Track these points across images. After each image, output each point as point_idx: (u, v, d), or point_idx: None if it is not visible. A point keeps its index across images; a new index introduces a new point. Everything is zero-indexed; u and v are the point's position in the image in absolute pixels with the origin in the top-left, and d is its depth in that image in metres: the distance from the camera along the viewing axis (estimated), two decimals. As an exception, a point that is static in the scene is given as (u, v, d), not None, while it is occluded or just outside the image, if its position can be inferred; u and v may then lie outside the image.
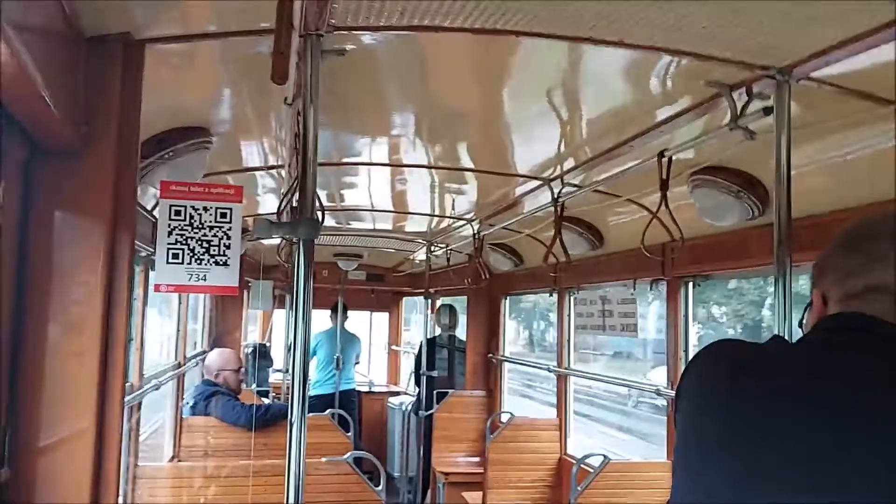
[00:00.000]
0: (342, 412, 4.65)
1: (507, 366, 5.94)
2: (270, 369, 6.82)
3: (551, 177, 3.07)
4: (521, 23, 1.57)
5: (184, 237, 1.74)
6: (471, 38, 1.66)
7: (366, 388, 7.83)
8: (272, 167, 2.98)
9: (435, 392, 5.72)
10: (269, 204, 3.82)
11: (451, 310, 6.55)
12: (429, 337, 6.18)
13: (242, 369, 4.52)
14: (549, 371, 5.02)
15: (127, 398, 2.34)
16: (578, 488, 3.33)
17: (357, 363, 7.32)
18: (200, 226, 1.75)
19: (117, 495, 1.48)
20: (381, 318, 8.93)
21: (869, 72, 1.65)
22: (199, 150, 2.28)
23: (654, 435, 10.70)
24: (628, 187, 2.91)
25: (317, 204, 1.64)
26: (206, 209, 1.76)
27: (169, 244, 1.73)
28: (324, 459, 3.19)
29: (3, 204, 1.31)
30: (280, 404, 4.52)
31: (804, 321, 1.07)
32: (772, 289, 1.75)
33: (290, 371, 1.63)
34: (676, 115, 2.11)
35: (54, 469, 1.41)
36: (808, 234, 1.95)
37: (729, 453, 0.87)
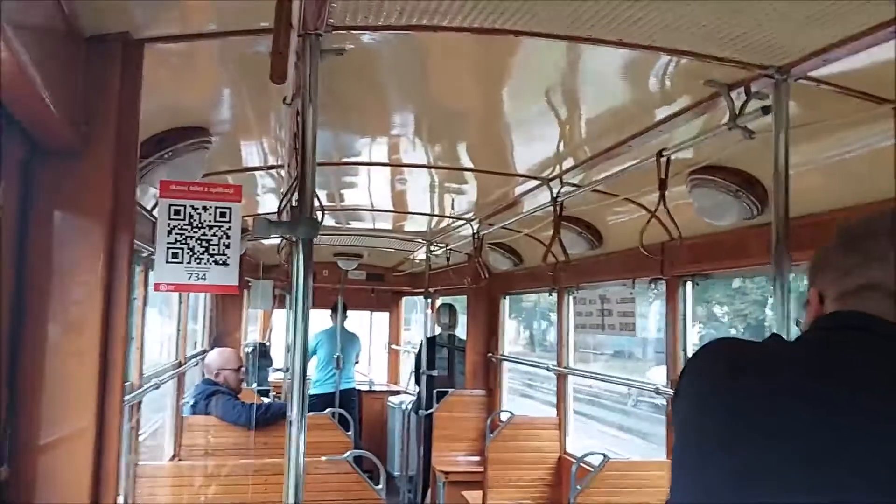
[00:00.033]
0: (342, 411, 4.66)
1: (507, 365, 5.94)
2: (270, 369, 6.82)
3: (550, 176, 3.07)
4: (520, 22, 1.57)
5: (183, 236, 1.75)
6: (470, 37, 1.66)
7: (366, 388, 7.84)
8: (272, 167, 2.98)
9: (435, 391, 5.72)
10: (268, 204, 3.82)
11: (451, 309, 6.56)
12: (429, 336, 6.18)
13: (243, 368, 4.52)
14: (549, 370, 5.03)
15: (127, 397, 2.35)
16: (578, 487, 3.34)
17: (357, 362, 7.33)
18: (200, 225, 1.76)
19: (117, 494, 1.49)
20: (381, 317, 8.93)
21: (867, 71, 1.65)
22: (198, 149, 2.28)
23: (653, 434, 10.70)
24: (627, 187, 2.92)
25: (316, 203, 1.64)
26: (205, 209, 1.76)
27: (168, 243, 1.74)
28: (324, 458, 3.19)
29: (3, 203, 1.31)
30: (280, 403, 4.52)
31: (801, 319, 1.07)
32: (775, 288, 1.75)
33: (290, 370, 1.63)
34: (675, 115, 2.11)
35: (54, 468, 1.41)
36: (806, 233, 1.95)
37: (728, 453, 0.87)
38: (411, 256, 6.60)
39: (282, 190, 2.91)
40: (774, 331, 1.73)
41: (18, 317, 1.40)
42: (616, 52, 1.70)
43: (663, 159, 2.33)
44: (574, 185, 3.03)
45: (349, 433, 4.27)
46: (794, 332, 1.67)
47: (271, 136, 2.54)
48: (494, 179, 3.30)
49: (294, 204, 1.64)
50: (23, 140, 1.36)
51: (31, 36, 1.07)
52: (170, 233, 1.74)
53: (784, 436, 0.83)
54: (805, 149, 2.08)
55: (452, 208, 4.19)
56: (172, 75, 1.87)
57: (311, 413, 4.18)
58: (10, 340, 1.38)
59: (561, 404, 4.90)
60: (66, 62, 1.36)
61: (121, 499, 2.68)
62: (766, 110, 1.78)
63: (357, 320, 7.93)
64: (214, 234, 1.76)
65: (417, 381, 6.23)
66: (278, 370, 6.68)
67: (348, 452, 3.36)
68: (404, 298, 8.75)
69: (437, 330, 6.47)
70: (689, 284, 3.37)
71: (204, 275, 1.76)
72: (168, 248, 1.74)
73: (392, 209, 4.46)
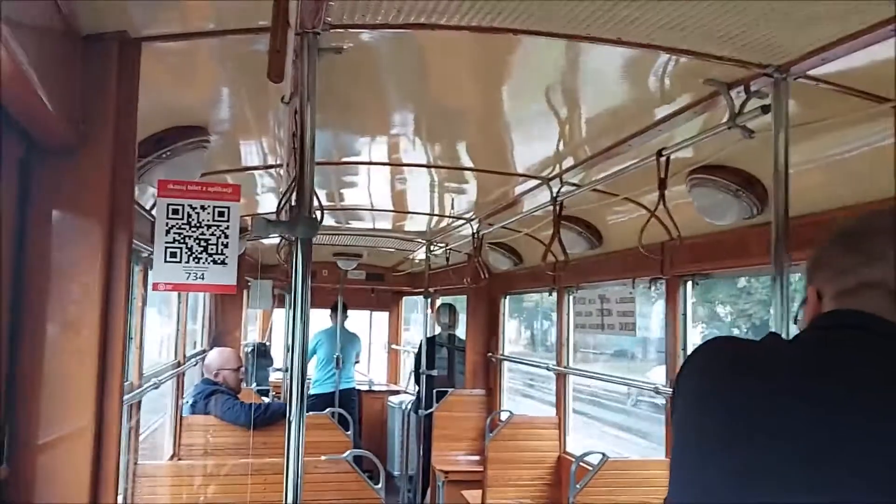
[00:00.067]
0: (342, 411, 4.67)
1: (507, 365, 5.94)
2: (270, 368, 6.83)
3: (550, 176, 3.07)
4: (518, 20, 1.57)
5: (182, 236, 1.74)
6: (469, 36, 1.66)
7: (366, 387, 7.84)
8: (270, 166, 2.98)
9: (435, 391, 5.73)
10: (268, 203, 3.82)
11: (451, 309, 6.56)
12: (428, 336, 6.18)
13: (242, 368, 4.52)
14: (549, 370, 5.03)
15: (126, 397, 2.34)
16: (577, 486, 3.34)
17: (357, 362, 7.33)
18: (198, 225, 1.75)
19: (116, 494, 1.49)
20: (381, 317, 8.94)
21: (867, 69, 1.65)
22: (196, 149, 2.28)
23: (652, 433, 10.70)
24: (627, 186, 2.91)
25: (315, 203, 1.64)
26: (203, 208, 1.76)
27: (167, 243, 1.73)
28: (323, 458, 3.19)
29: (1, 202, 1.31)
30: (279, 403, 4.52)
31: (798, 317, 1.07)
32: (780, 288, 1.75)
33: (289, 370, 1.63)
34: (675, 114, 2.10)
35: (53, 467, 1.41)
36: (806, 232, 1.94)
37: (728, 452, 0.87)
38: (411, 256, 6.60)
39: (281, 189, 2.91)
40: (775, 330, 1.73)
41: (17, 316, 1.40)
42: (615, 51, 1.70)
43: (663, 159, 2.33)
44: (574, 184, 3.03)
45: (349, 433, 4.28)
46: (794, 331, 1.66)
47: (270, 136, 2.54)
48: (494, 179, 3.30)
49: (293, 203, 1.64)
50: (20, 139, 1.36)
51: (29, 35, 1.07)
52: (168, 232, 1.74)
53: (783, 435, 0.83)
54: (805, 148, 2.07)
55: (452, 208, 4.19)
56: (170, 74, 1.87)
57: (311, 413, 4.18)
58: (8, 340, 1.38)
59: (560, 404, 4.90)
60: (63, 61, 1.36)
61: (120, 498, 2.67)
62: (765, 109, 1.77)
63: (357, 320, 7.94)
64: (213, 234, 1.76)
65: (417, 381, 6.23)
66: (278, 370, 6.68)
67: (348, 452, 3.36)
68: (404, 298, 8.75)
69: (437, 330, 6.47)
70: (689, 284, 3.37)
71: (202, 274, 1.75)
72: (166, 248, 1.73)
73: (392, 209, 4.46)
